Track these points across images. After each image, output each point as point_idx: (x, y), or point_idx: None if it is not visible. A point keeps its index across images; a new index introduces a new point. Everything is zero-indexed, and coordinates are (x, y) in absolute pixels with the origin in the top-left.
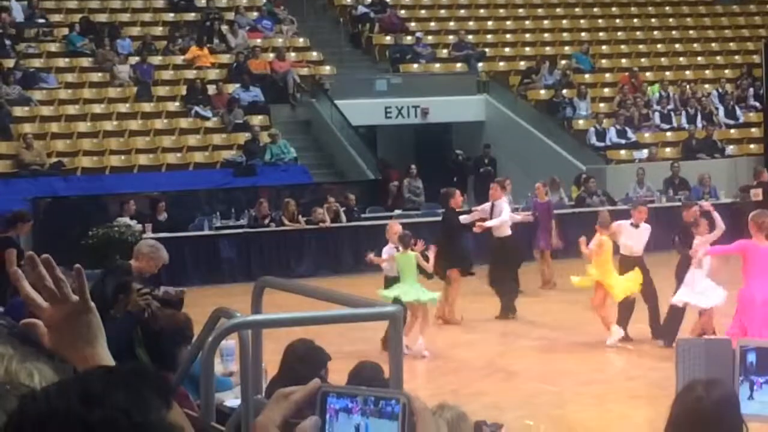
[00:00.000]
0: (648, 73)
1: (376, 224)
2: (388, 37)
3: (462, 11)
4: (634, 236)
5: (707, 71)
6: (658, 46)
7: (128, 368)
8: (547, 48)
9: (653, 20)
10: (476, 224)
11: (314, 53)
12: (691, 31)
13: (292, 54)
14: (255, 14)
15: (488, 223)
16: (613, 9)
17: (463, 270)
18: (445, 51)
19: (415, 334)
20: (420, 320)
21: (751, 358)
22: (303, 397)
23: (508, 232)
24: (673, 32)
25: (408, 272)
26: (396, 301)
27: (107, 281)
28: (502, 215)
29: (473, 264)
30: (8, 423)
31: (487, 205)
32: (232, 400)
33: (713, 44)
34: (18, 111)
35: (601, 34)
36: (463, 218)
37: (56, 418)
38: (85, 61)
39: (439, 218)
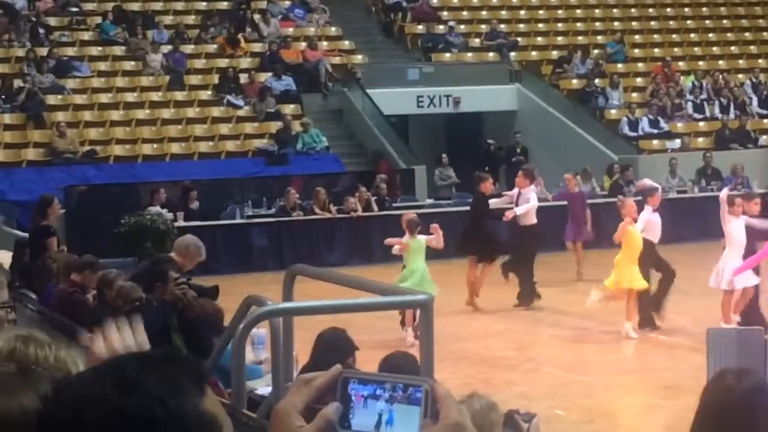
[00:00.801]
0: (681, 63)
1: None
2: (420, 26)
3: (494, 0)
4: (657, 221)
5: (741, 61)
6: (692, 35)
7: (163, 354)
8: (580, 37)
9: (686, 10)
10: (505, 213)
11: (346, 42)
12: (724, 21)
13: (324, 43)
14: (287, 3)
15: (517, 210)
16: None
17: (481, 257)
18: (477, 40)
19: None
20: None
21: None
22: (325, 383)
23: (534, 220)
24: (707, 22)
25: (416, 258)
26: None
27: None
28: (530, 204)
29: (499, 251)
30: (43, 408)
31: (514, 193)
32: (263, 387)
33: (747, 34)
34: (51, 99)
35: (634, 23)
36: (493, 201)
37: (91, 404)
38: (118, 50)
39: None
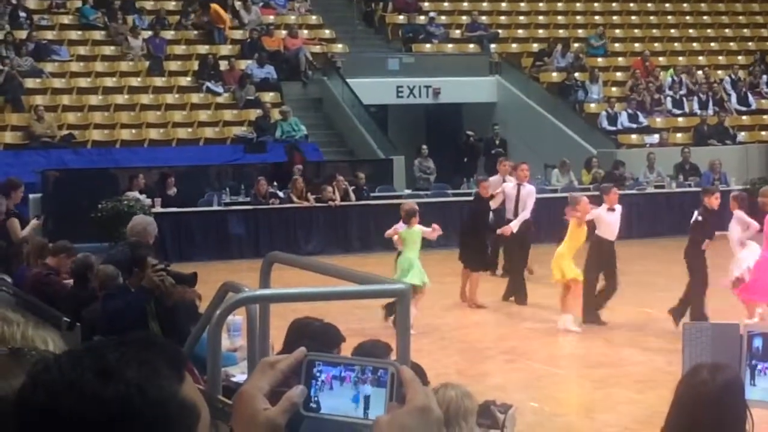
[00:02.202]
0: (661, 58)
1: (385, 203)
2: (401, 16)
3: None
4: (612, 220)
5: (720, 57)
6: (672, 31)
7: (142, 340)
8: (561, 30)
9: (667, 5)
10: (503, 229)
11: (327, 31)
12: (705, 17)
13: (305, 31)
14: None
15: (514, 226)
16: None
17: (486, 269)
18: (458, 31)
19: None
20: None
21: (757, 343)
22: (289, 366)
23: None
24: (687, 17)
25: (410, 247)
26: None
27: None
28: (527, 205)
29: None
30: (20, 391)
31: (510, 187)
32: (239, 375)
33: (727, 30)
34: (30, 83)
35: (614, 17)
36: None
37: (70, 390)
38: (98, 34)
39: (451, 198)
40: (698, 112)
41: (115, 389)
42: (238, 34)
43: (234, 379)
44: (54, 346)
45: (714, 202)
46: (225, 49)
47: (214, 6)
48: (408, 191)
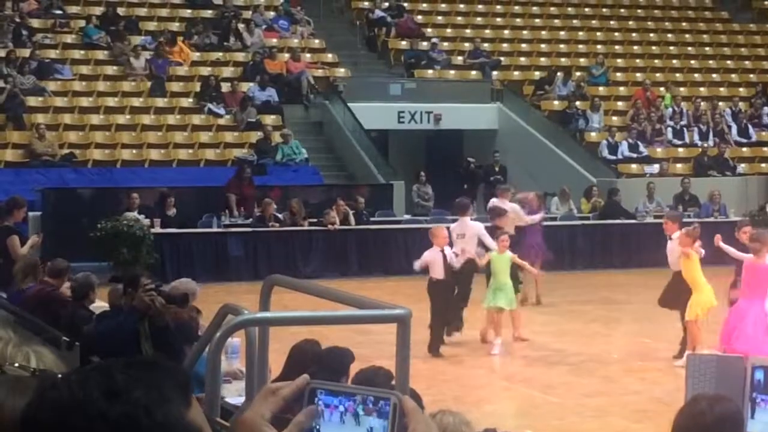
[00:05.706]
0: (662, 88)
1: (384, 228)
2: (403, 42)
3: (478, 19)
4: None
5: (722, 88)
6: (674, 61)
7: (150, 362)
8: (562, 59)
9: (669, 35)
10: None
11: (329, 55)
12: (707, 48)
13: (307, 55)
14: (272, 14)
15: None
16: (630, 23)
17: None
18: (460, 58)
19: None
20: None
21: (759, 376)
22: (292, 393)
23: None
24: (689, 48)
25: (500, 273)
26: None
27: None
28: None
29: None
30: (26, 408)
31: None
32: (235, 397)
33: (728, 62)
34: (32, 101)
35: (616, 47)
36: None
37: (77, 409)
38: (101, 54)
39: (450, 224)
40: (699, 142)
41: (121, 409)
42: (240, 57)
43: (229, 400)
44: (38, 361)
45: (741, 236)
46: (227, 71)
47: (181, 44)
48: (407, 216)
